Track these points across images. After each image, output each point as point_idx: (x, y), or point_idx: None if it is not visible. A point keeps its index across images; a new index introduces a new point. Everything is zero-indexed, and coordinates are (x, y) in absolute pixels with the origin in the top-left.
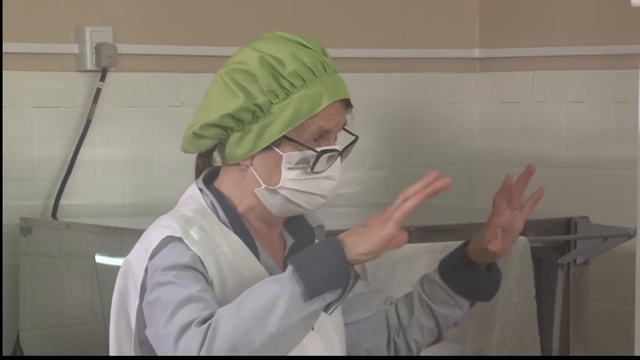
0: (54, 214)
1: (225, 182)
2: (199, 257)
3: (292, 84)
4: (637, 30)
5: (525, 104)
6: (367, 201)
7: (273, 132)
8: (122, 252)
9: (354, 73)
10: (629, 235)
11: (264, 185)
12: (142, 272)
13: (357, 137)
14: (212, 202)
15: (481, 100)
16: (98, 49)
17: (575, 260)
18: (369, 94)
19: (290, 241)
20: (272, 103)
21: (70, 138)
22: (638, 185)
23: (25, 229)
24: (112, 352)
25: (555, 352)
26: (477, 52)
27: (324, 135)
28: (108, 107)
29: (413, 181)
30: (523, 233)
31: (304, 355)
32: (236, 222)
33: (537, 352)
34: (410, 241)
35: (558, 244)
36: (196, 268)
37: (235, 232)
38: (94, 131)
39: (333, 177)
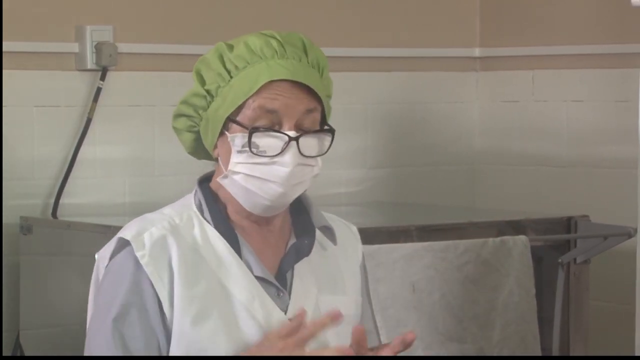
0: (54, 213)
1: (215, 180)
2: (144, 270)
3: (236, 67)
4: (637, 30)
5: (526, 103)
6: (367, 200)
7: (221, 115)
8: None
9: (354, 72)
10: (629, 234)
11: (224, 173)
12: (103, 270)
13: (327, 129)
14: (199, 201)
15: (481, 100)
16: (98, 48)
17: (575, 260)
18: (370, 93)
19: (293, 241)
20: (220, 86)
21: (70, 137)
22: (638, 184)
23: (26, 228)
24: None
25: (555, 352)
26: (477, 52)
27: (273, 118)
28: (108, 106)
29: (413, 181)
30: (523, 232)
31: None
32: (219, 220)
33: (538, 352)
34: (410, 240)
35: (558, 243)
36: (137, 295)
37: (217, 228)
38: (94, 130)
39: (284, 164)
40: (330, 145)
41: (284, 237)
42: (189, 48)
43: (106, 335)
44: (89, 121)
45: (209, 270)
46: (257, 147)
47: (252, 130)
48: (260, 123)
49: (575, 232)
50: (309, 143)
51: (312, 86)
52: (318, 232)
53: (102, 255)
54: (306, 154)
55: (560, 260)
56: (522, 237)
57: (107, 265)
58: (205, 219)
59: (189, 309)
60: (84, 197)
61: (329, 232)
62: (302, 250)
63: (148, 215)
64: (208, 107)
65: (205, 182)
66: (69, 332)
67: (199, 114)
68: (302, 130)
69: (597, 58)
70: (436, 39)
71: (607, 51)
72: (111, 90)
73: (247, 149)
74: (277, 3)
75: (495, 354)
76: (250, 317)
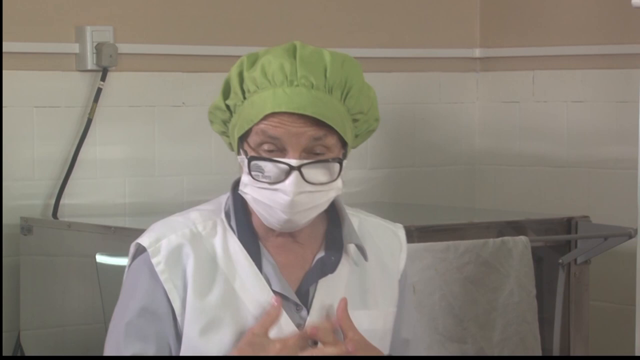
0: (54, 214)
1: None
2: (159, 277)
3: (248, 90)
4: (638, 30)
5: (526, 103)
6: (368, 201)
7: (236, 135)
8: (123, 252)
9: None
10: (630, 235)
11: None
12: (126, 268)
13: (335, 159)
14: (229, 208)
15: (482, 100)
16: (99, 48)
17: (575, 260)
18: None
19: (321, 254)
20: (237, 105)
21: (70, 138)
22: (638, 185)
23: (26, 228)
24: None
25: (555, 352)
26: (477, 52)
27: (277, 144)
28: (108, 106)
29: (413, 181)
30: (524, 233)
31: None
32: (244, 230)
33: (538, 352)
34: (411, 241)
35: (559, 244)
36: (150, 301)
37: (240, 239)
38: (94, 131)
39: (286, 192)
40: (339, 172)
41: (314, 248)
42: (189, 48)
43: (119, 338)
44: (89, 122)
45: (224, 282)
46: (263, 171)
47: (251, 159)
48: (266, 147)
49: (576, 233)
50: (315, 171)
51: (318, 116)
52: (353, 247)
53: (130, 254)
54: (313, 181)
55: (560, 261)
56: (523, 238)
57: (130, 265)
58: (231, 227)
59: (199, 319)
60: (84, 198)
61: (360, 249)
62: (327, 266)
63: (172, 219)
64: (230, 121)
65: (238, 186)
66: (69, 332)
67: (226, 125)
68: (313, 156)
69: (598, 59)
70: (436, 39)
71: (608, 52)
72: (111, 90)
73: (257, 173)
74: (277, 3)
75: (495, 354)
76: None
